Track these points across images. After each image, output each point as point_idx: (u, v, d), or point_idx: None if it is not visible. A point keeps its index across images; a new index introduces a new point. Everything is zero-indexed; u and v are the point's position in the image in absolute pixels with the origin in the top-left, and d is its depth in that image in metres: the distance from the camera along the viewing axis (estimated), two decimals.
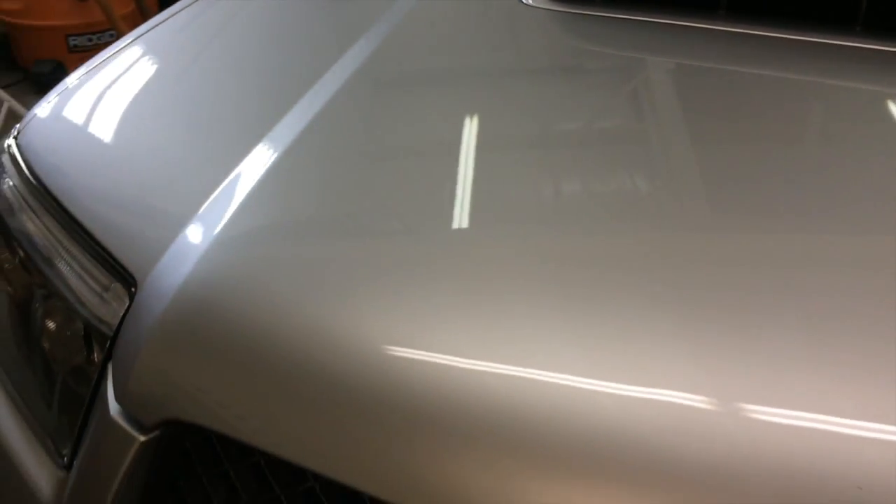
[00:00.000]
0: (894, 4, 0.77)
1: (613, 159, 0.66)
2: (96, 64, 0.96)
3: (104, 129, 0.83)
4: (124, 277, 0.63)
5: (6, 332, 0.82)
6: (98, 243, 0.67)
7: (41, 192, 0.75)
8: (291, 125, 0.71)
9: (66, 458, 0.65)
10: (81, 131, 0.84)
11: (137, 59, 0.95)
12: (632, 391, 0.45)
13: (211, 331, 0.55)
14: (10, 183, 0.80)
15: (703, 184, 0.61)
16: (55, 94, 0.92)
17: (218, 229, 0.60)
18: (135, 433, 0.56)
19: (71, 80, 0.95)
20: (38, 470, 0.67)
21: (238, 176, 0.66)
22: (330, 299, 0.53)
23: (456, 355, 0.48)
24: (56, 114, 0.88)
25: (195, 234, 0.62)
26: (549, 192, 0.62)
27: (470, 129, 0.69)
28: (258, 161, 0.67)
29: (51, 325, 0.73)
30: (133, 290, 0.62)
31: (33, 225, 0.75)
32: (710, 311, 0.48)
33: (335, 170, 0.67)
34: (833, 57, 0.77)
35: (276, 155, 0.67)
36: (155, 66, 0.94)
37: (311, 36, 0.96)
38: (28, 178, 0.77)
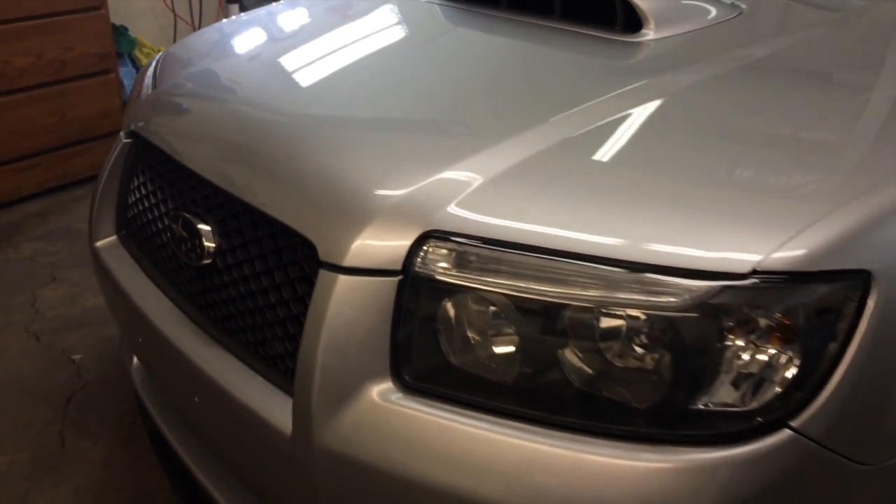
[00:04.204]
0: (578, 4, 1.27)
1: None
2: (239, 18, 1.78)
3: (206, 57, 1.62)
4: None
5: None
6: None
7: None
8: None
9: None
10: (193, 60, 1.63)
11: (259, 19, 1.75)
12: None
13: (171, 102, 1.28)
14: (150, 72, 1.62)
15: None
16: (203, 30, 1.75)
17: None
18: (122, 138, 1.31)
19: (223, 22, 1.78)
20: None
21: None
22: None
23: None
24: (191, 43, 1.69)
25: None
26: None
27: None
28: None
29: None
30: None
31: (149, 105, 1.55)
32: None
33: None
34: (543, 31, 1.28)
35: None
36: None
37: None
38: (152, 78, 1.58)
